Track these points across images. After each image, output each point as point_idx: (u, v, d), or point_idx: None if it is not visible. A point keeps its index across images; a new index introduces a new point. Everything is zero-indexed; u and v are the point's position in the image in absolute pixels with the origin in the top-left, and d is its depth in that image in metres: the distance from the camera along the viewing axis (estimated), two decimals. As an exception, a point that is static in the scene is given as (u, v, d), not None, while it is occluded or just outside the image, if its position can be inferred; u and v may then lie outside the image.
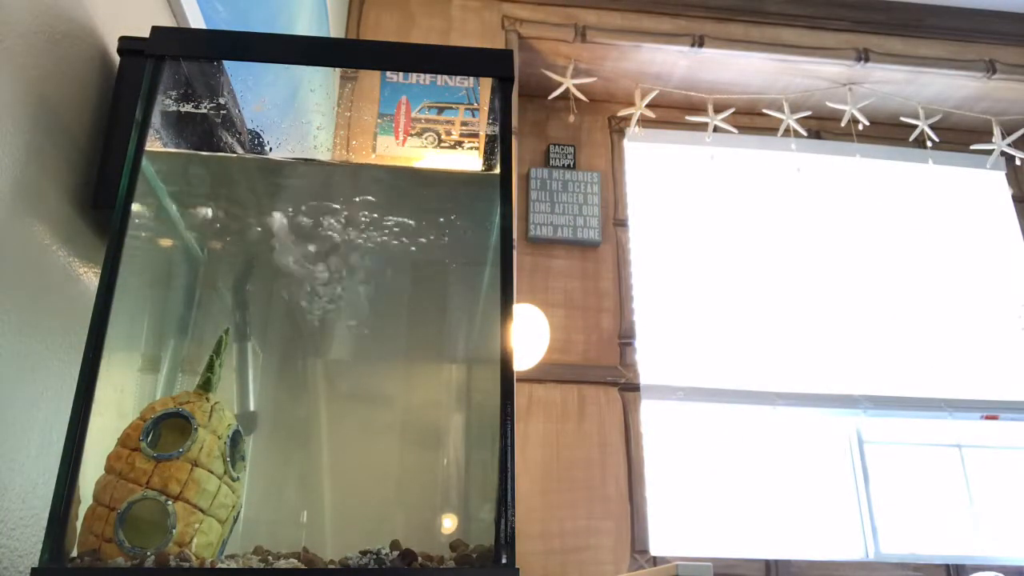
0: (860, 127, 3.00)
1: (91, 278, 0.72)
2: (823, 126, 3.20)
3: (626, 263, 2.93)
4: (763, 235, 3.06)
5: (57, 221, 0.83)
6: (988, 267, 3.11)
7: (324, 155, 1.16)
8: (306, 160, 0.98)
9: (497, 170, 0.83)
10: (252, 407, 0.92)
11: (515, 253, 0.77)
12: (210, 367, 0.76)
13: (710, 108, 2.95)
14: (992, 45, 3.05)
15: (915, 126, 3.02)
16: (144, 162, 0.78)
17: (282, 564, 0.70)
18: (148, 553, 0.65)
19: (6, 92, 0.73)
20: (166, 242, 0.94)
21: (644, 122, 2.99)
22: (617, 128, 3.16)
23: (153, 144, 0.83)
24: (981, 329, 2.99)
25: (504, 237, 0.78)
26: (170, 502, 0.67)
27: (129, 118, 0.80)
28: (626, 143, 3.16)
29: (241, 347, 0.93)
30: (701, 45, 2.88)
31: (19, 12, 0.75)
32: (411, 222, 0.98)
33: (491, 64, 0.89)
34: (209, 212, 0.97)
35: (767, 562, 2.44)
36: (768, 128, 3.11)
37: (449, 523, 0.88)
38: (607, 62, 2.96)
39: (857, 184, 3.18)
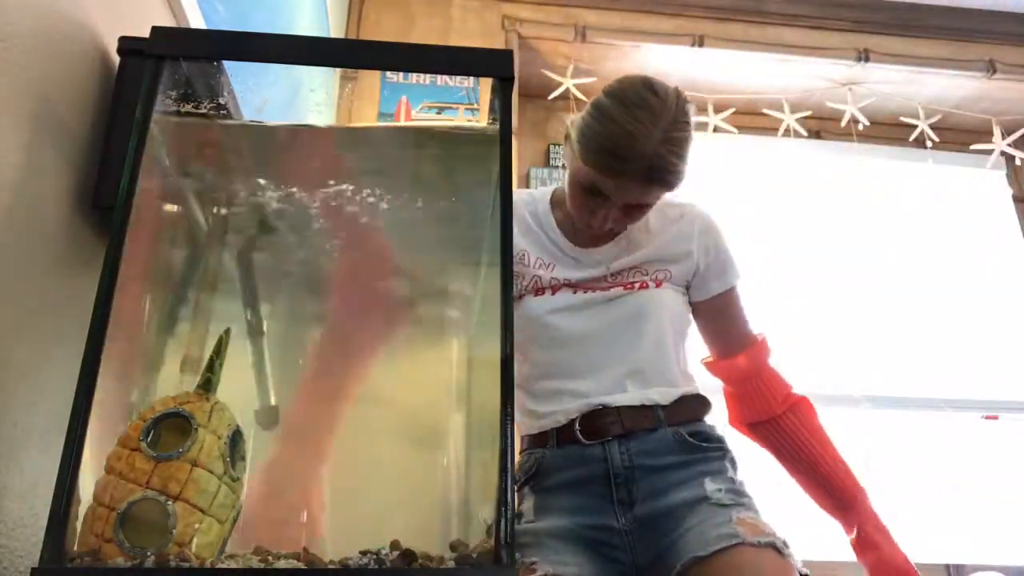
0: (860, 127, 3.00)
1: (91, 278, 0.72)
2: (823, 126, 3.20)
3: (626, 263, 2.93)
4: (761, 234, 3.05)
5: (57, 221, 0.83)
6: (988, 267, 3.11)
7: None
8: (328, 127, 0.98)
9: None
10: (273, 401, 0.92)
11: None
12: (210, 367, 0.76)
13: (710, 108, 2.95)
14: (992, 45, 3.05)
15: (915, 126, 3.02)
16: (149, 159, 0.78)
17: (282, 564, 0.70)
18: (148, 553, 0.65)
19: (6, 92, 0.73)
20: (167, 240, 0.94)
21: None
22: (617, 128, 3.16)
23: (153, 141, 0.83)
24: (981, 329, 2.99)
25: (504, 237, 0.78)
26: (170, 502, 0.67)
27: (129, 118, 0.80)
28: (626, 143, 3.15)
29: (255, 343, 0.93)
30: (701, 45, 2.88)
31: (19, 12, 0.75)
32: (407, 225, 0.98)
33: (491, 64, 0.89)
34: (212, 208, 0.97)
35: (767, 562, 2.44)
36: (768, 128, 3.11)
37: (449, 523, 0.88)
38: (607, 62, 2.96)
39: (857, 184, 3.17)
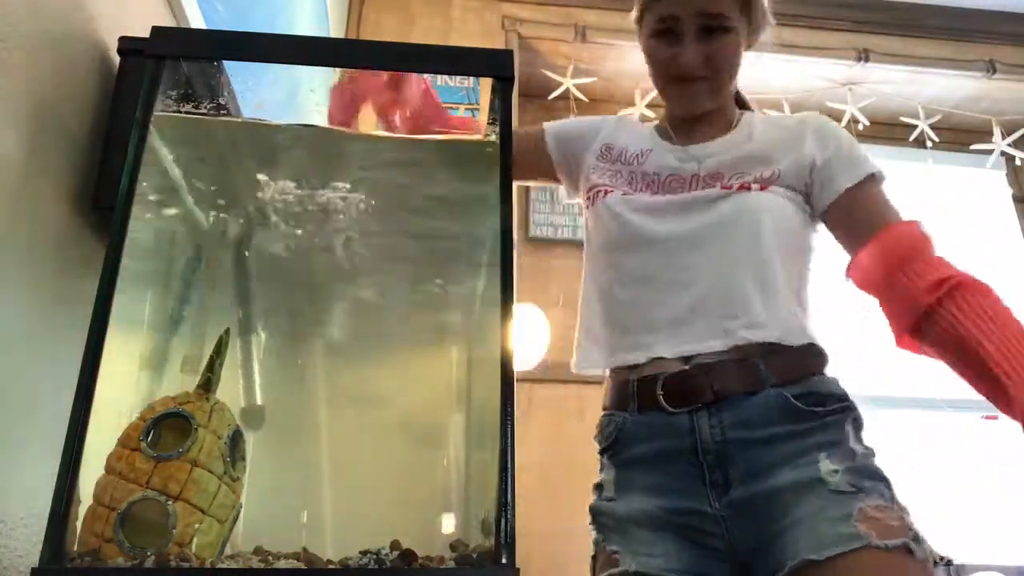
0: (860, 127, 3.00)
1: (91, 278, 0.72)
2: (823, 126, 3.20)
3: (626, 263, 2.93)
4: (763, 235, 3.05)
5: (57, 221, 0.83)
6: (988, 267, 3.10)
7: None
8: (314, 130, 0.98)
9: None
10: (258, 401, 0.92)
11: (515, 253, 0.77)
12: (210, 367, 0.76)
13: (710, 108, 2.95)
14: (992, 45, 3.05)
15: (915, 126, 3.02)
16: (148, 156, 0.78)
17: (282, 564, 0.70)
18: (148, 553, 0.65)
19: (6, 92, 0.73)
20: (167, 241, 0.94)
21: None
22: (617, 128, 3.16)
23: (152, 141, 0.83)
24: (981, 329, 2.99)
25: (504, 237, 0.78)
26: (170, 502, 0.67)
27: (129, 118, 0.80)
28: (626, 143, 3.15)
29: (245, 341, 0.93)
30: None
31: (20, 12, 0.75)
32: (411, 221, 0.98)
33: (491, 64, 0.89)
34: (211, 210, 0.97)
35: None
36: (768, 128, 3.10)
37: (449, 523, 0.88)
38: (607, 62, 2.96)
39: (857, 184, 3.17)
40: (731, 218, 0.96)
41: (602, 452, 1.01)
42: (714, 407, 0.91)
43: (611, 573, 0.90)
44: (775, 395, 0.91)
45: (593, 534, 0.98)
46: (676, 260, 0.96)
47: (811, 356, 0.96)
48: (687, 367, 0.93)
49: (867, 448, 0.92)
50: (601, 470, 1.01)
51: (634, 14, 1.06)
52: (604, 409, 1.03)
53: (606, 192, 1.04)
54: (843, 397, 0.94)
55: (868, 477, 0.88)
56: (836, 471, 0.87)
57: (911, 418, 2.84)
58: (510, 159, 0.81)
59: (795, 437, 0.90)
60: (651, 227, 0.98)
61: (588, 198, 1.08)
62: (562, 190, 1.18)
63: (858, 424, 0.94)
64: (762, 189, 0.98)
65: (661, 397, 0.93)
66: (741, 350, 0.92)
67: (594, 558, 0.97)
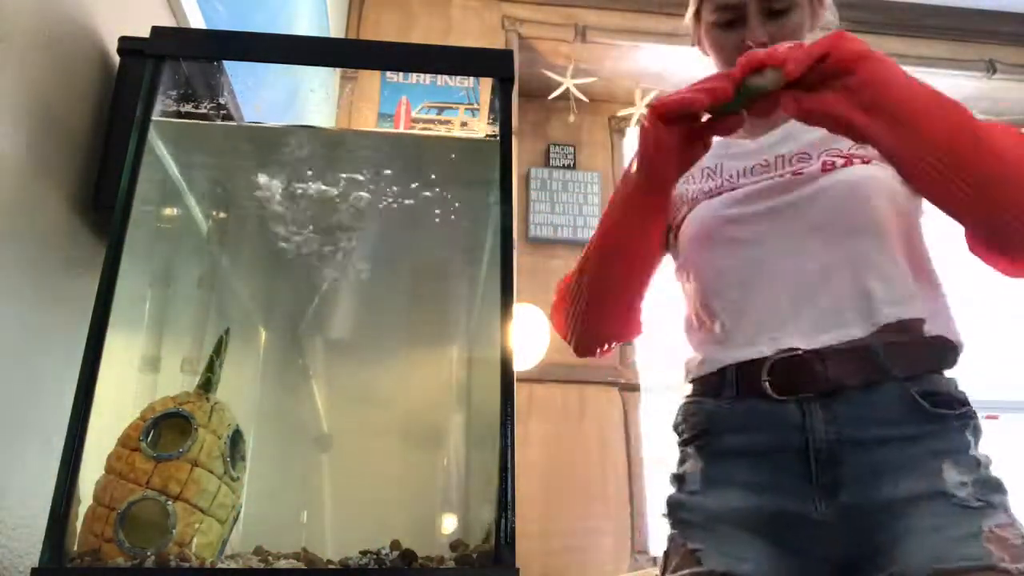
0: (860, 127, 3.00)
1: (91, 278, 0.72)
2: (823, 126, 3.20)
3: (626, 263, 2.93)
4: (763, 235, 3.05)
5: (57, 222, 0.83)
6: (988, 267, 3.10)
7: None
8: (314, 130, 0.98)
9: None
10: (326, 428, 0.92)
11: (515, 253, 0.76)
12: (210, 367, 0.76)
13: (710, 108, 2.95)
14: (992, 45, 3.05)
15: (915, 126, 3.02)
16: (150, 156, 0.78)
17: (282, 564, 0.70)
18: (148, 553, 0.65)
19: (6, 92, 0.73)
20: (167, 241, 0.94)
21: None
22: (617, 128, 3.17)
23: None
24: (981, 329, 2.99)
25: (504, 237, 0.78)
26: (170, 502, 0.67)
27: (129, 118, 0.80)
28: (626, 143, 3.16)
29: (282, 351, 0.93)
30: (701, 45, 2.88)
31: (19, 12, 0.75)
32: (409, 225, 0.98)
33: (491, 64, 0.89)
34: (211, 210, 0.97)
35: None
36: (768, 128, 3.11)
37: (449, 523, 0.88)
38: (607, 62, 2.96)
39: (857, 184, 3.17)
40: (840, 199, 0.87)
41: (685, 443, 0.93)
42: (827, 399, 0.82)
43: (694, 572, 0.81)
44: (898, 391, 0.82)
45: (669, 529, 0.90)
46: (771, 268, 0.89)
47: (941, 350, 0.87)
48: (796, 351, 0.84)
49: (987, 458, 0.85)
50: (683, 462, 0.92)
51: (690, 11, 1.07)
52: (688, 396, 0.94)
53: (677, 228, 0.98)
54: (965, 401, 0.86)
55: (994, 491, 0.80)
56: (964, 483, 0.79)
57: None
58: (510, 158, 0.81)
59: (916, 441, 0.81)
60: (737, 234, 0.91)
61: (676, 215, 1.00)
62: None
63: (978, 431, 0.87)
64: (865, 163, 0.89)
65: (767, 384, 0.84)
66: (874, 335, 0.83)
67: (666, 554, 0.88)
